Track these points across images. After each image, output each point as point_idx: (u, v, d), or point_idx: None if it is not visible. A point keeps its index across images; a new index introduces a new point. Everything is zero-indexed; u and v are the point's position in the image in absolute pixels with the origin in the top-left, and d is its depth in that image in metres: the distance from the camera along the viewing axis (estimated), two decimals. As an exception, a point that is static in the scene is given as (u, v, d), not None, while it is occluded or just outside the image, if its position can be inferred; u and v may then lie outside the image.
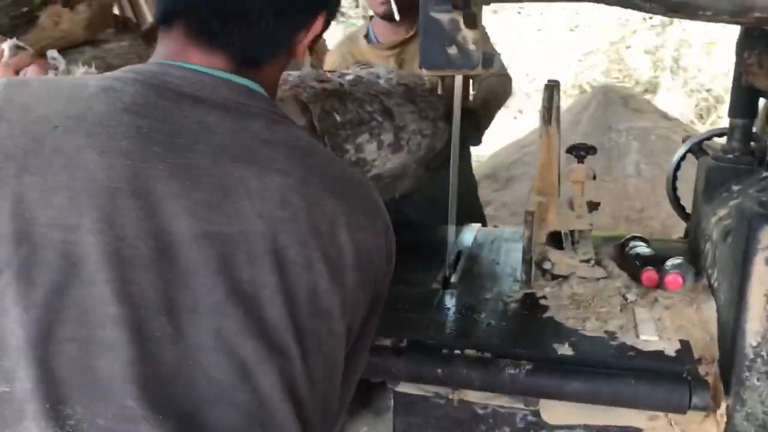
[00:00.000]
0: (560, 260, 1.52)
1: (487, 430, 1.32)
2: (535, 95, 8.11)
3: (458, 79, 1.48)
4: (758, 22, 0.96)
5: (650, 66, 7.94)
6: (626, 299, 1.40)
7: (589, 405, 1.24)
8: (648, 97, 7.23)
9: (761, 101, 1.51)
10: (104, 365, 0.67)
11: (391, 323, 1.35)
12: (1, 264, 0.67)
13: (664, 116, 4.99)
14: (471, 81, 2.30)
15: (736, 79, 1.47)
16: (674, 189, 1.92)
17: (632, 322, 1.32)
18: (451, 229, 1.57)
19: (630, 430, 1.23)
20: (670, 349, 1.24)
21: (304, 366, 0.74)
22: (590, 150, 1.69)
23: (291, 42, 0.86)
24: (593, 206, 1.62)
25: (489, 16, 8.78)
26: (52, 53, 1.29)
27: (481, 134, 2.21)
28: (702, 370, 1.24)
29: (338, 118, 1.55)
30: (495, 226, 2.01)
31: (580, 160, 1.68)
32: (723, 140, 1.63)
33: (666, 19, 7.08)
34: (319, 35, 0.90)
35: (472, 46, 1.31)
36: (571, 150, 1.70)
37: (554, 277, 1.52)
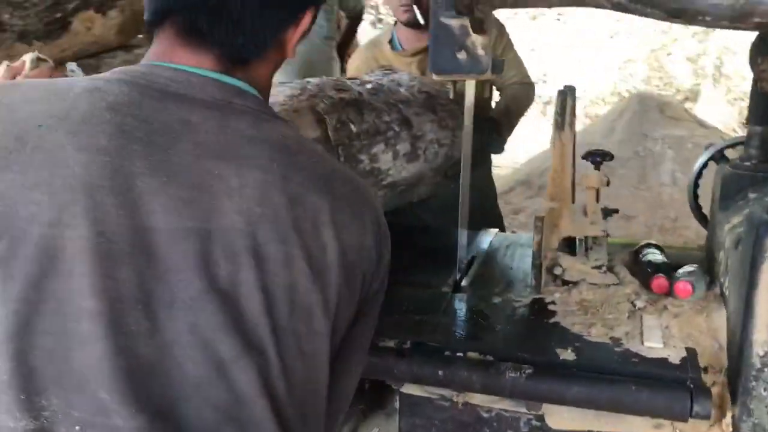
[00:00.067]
0: (572, 266, 1.52)
1: (491, 433, 1.33)
2: (573, 103, 8.04)
3: (469, 84, 1.48)
4: (758, 27, 0.96)
5: (691, 74, 7.81)
6: (635, 306, 1.39)
7: (594, 411, 1.24)
8: (688, 105, 7.12)
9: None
10: (80, 358, 0.69)
11: (398, 325, 1.37)
12: None
13: (702, 124, 4.91)
14: (493, 88, 2.32)
15: (754, 87, 1.45)
16: (695, 197, 1.90)
17: (639, 329, 1.31)
18: (463, 233, 1.58)
19: (634, 438, 1.23)
20: (675, 356, 1.22)
21: (281, 364, 0.74)
22: (606, 156, 1.68)
23: (279, 39, 0.86)
24: (608, 213, 1.61)
25: (528, 22, 8.75)
26: (71, 65, 1.34)
27: (504, 142, 2.21)
28: (709, 378, 1.23)
29: (354, 128, 1.56)
30: (513, 232, 2.01)
31: (596, 166, 1.67)
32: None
33: (708, 26, 6.94)
34: (307, 32, 0.90)
35: (481, 51, 1.32)
36: (587, 156, 1.69)
37: (565, 282, 1.51)
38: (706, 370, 1.23)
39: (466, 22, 1.29)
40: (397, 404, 1.43)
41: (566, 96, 1.54)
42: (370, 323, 0.92)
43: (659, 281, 1.42)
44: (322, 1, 0.91)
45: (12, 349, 0.68)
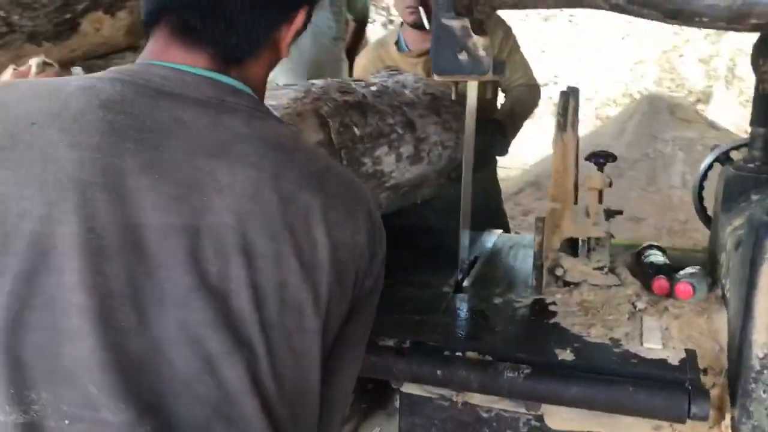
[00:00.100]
0: (573, 267, 1.52)
1: (490, 433, 1.33)
2: (584, 104, 8.01)
3: (471, 85, 1.49)
4: (755, 28, 0.96)
5: (704, 75, 7.76)
6: (635, 307, 1.39)
7: (593, 412, 1.24)
8: (701, 107, 7.08)
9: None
10: (69, 352, 0.69)
11: (398, 324, 1.38)
12: None
13: (713, 126, 4.89)
14: (499, 90, 2.32)
15: (757, 89, 1.45)
16: (700, 199, 1.89)
17: (639, 330, 1.31)
18: (464, 234, 1.59)
19: (633, 439, 1.23)
20: (674, 358, 1.22)
21: (270, 360, 0.74)
22: (609, 157, 1.68)
23: (273, 38, 0.85)
24: (611, 214, 1.61)
25: (540, 23, 8.72)
26: (76, 69, 1.35)
27: (508, 143, 2.22)
28: (709, 380, 1.23)
29: (357, 131, 1.56)
30: (516, 233, 2.01)
31: (600, 167, 1.67)
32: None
33: (720, 27, 6.90)
34: (302, 30, 0.90)
35: (482, 52, 1.32)
36: (590, 157, 1.69)
37: (566, 283, 1.52)
38: (705, 371, 1.23)
39: (467, 23, 1.30)
40: (397, 404, 1.44)
41: (568, 97, 1.54)
42: (364, 322, 0.92)
43: (660, 282, 1.42)
44: (315, 1, 0.91)
45: (2, 343, 0.69)
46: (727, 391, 1.21)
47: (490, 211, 2.28)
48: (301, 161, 0.80)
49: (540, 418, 1.30)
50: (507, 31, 2.26)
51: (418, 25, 2.27)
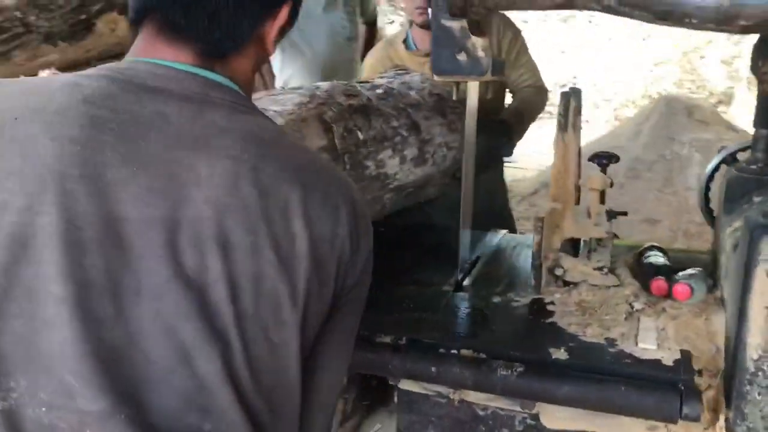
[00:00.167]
0: (573, 267, 1.53)
1: (486, 431, 1.34)
2: (603, 105, 7.98)
3: (472, 85, 1.49)
4: (744, 30, 0.96)
5: (725, 77, 7.68)
6: (632, 307, 1.39)
7: (589, 411, 1.25)
8: (722, 109, 7.01)
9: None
10: (47, 341, 0.70)
11: (397, 322, 1.40)
12: None
13: (731, 128, 4.84)
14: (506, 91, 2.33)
15: (760, 90, 1.44)
16: (707, 200, 1.88)
17: (635, 330, 1.32)
18: (465, 233, 1.60)
19: (627, 439, 1.23)
20: (669, 358, 1.23)
21: (245, 352, 0.75)
22: (612, 158, 1.68)
23: (257, 34, 0.86)
24: (613, 215, 1.61)
25: (559, 24, 8.69)
26: None
27: (514, 144, 2.22)
28: (705, 382, 1.23)
29: (361, 135, 1.58)
30: (521, 233, 2.02)
31: (603, 168, 1.68)
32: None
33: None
34: (290, 27, 0.90)
35: (481, 53, 1.34)
36: (593, 158, 1.70)
37: (566, 283, 1.52)
38: (700, 372, 1.23)
39: (466, 24, 1.31)
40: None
41: (569, 98, 1.54)
42: (350, 319, 0.91)
43: (658, 283, 1.42)
44: None
45: None
46: (722, 393, 1.21)
47: (496, 211, 2.29)
48: (283, 155, 0.81)
49: (536, 417, 1.31)
50: (516, 32, 2.26)
51: (427, 26, 2.28)
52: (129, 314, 0.72)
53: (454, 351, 1.27)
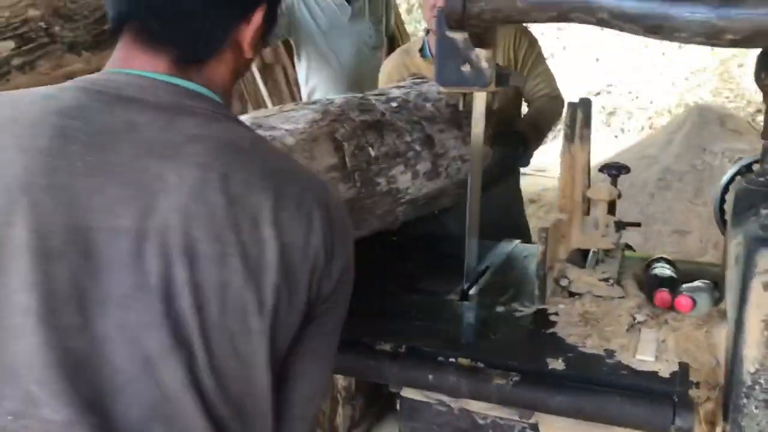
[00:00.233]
0: (578, 278, 1.53)
1: (486, 440, 1.35)
2: (637, 113, 7.88)
3: (478, 96, 1.51)
4: (733, 44, 0.96)
5: (764, 85, 7.52)
6: (634, 319, 1.39)
7: (588, 422, 1.25)
8: (760, 119, 6.86)
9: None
10: (12, 351, 0.72)
11: (399, 329, 1.42)
12: None
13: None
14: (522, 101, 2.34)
15: (767, 102, 1.43)
16: (722, 212, 1.87)
17: (635, 342, 1.32)
18: (472, 243, 1.61)
19: (625, 450, 1.23)
20: (666, 370, 1.22)
21: (209, 361, 0.75)
22: (622, 169, 1.68)
23: (233, 38, 0.86)
24: (622, 226, 1.61)
25: (594, 31, 8.62)
26: None
27: (530, 155, 2.22)
28: (703, 394, 1.22)
29: (372, 152, 1.59)
30: (534, 243, 2.01)
31: (613, 179, 1.68)
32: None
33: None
34: (268, 31, 0.90)
35: (484, 64, 1.35)
36: (603, 169, 1.70)
37: (572, 294, 1.52)
38: (698, 385, 1.22)
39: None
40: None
41: (576, 109, 1.55)
42: (327, 328, 0.90)
43: (661, 295, 1.42)
44: (275, 1, 0.91)
45: None
46: (720, 406, 1.20)
47: (511, 220, 2.29)
48: (256, 162, 0.81)
49: (534, 427, 1.31)
50: (532, 41, 2.27)
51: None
52: (95, 323, 0.73)
53: (452, 359, 1.28)
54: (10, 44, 1.89)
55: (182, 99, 0.81)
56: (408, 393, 1.39)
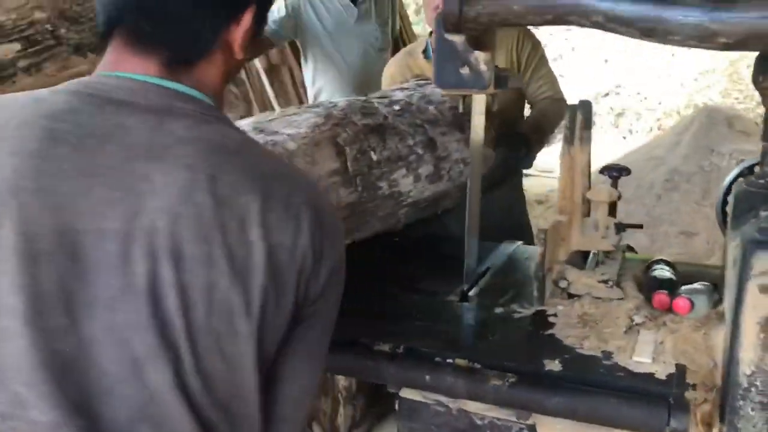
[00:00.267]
0: (578, 279, 1.53)
1: (484, 440, 1.36)
2: (646, 114, 7.86)
3: (477, 98, 1.52)
4: (726, 47, 0.97)
5: (773, 86, 7.48)
6: (632, 321, 1.40)
7: (585, 424, 1.25)
8: (770, 119, 6.81)
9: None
10: (0, 352, 0.72)
11: (397, 330, 1.43)
12: None
13: (774, 139, 4.72)
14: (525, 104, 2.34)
15: (765, 104, 1.43)
16: (724, 214, 1.86)
17: (633, 343, 1.32)
18: (472, 244, 1.62)
19: (623, 452, 1.23)
20: (662, 372, 1.23)
21: (195, 363, 0.75)
22: (623, 171, 1.69)
23: (223, 39, 0.86)
24: (622, 227, 1.61)
25: (603, 32, 8.63)
26: None
27: (533, 157, 2.23)
28: (700, 396, 1.23)
29: (374, 156, 1.60)
30: (536, 244, 2.02)
31: (614, 181, 1.68)
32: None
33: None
34: (258, 33, 0.90)
35: (483, 67, 1.36)
36: (603, 170, 1.70)
37: (571, 296, 1.53)
38: (695, 387, 1.22)
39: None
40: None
41: (575, 111, 1.55)
42: (316, 330, 0.90)
43: (660, 297, 1.42)
44: (265, 2, 0.91)
45: None
46: (717, 408, 1.20)
47: (513, 222, 2.30)
48: (244, 164, 0.81)
49: (532, 428, 1.31)
50: (535, 44, 2.27)
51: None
52: (82, 325, 0.73)
53: (449, 360, 1.29)
54: (17, 46, 1.91)
55: (172, 101, 0.81)
56: (407, 393, 1.40)
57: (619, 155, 5.53)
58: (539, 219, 4.42)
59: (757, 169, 1.73)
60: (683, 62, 8.02)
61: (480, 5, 1.17)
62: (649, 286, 1.50)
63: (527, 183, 5.41)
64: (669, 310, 1.41)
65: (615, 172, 1.68)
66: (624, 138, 7.61)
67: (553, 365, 1.26)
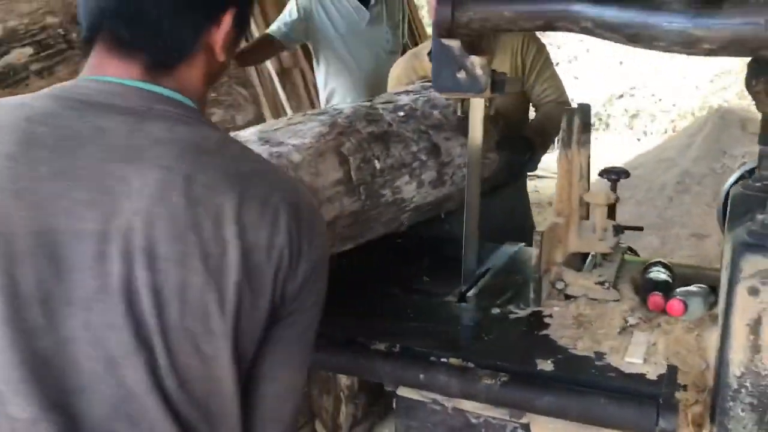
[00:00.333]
0: (574, 281, 1.55)
1: (479, 439, 1.38)
2: (660, 116, 7.83)
3: (475, 102, 1.53)
4: (710, 53, 0.98)
5: (790, 88, 7.42)
6: (627, 322, 1.41)
7: (579, 424, 1.27)
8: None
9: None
10: None
11: (394, 330, 1.45)
12: None
13: (787, 142, 4.69)
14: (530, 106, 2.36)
15: (759, 108, 1.44)
16: (725, 216, 1.87)
17: (626, 344, 1.33)
18: (471, 245, 1.64)
19: (616, 452, 1.25)
20: (653, 373, 1.24)
21: (170, 361, 0.76)
22: (622, 174, 1.70)
23: (203, 42, 0.86)
24: (620, 229, 1.62)
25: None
26: None
27: (537, 160, 2.24)
28: (691, 397, 1.24)
29: (378, 164, 1.62)
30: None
31: (613, 184, 1.69)
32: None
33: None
34: (240, 35, 0.90)
35: (479, 71, 1.38)
36: (602, 173, 1.72)
37: (567, 297, 1.54)
38: (686, 388, 1.24)
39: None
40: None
41: (573, 114, 1.57)
42: (297, 329, 0.89)
43: (654, 299, 1.43)
44: (246, 3, 0.91)
45: None
46: (708, 409, 1.22)
47: (516, 224, 2.31)
48: (221, 164, 0.81)
49: (526, 427, 1.33)
50: (540, 47, 2.28)
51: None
52: (60, 324, 0.75)
53: (443, 359, 1.31)
54: (29, 50, 1.96)
55: (152, 103, 0.82)
56: (404, 392, 1.42)
57: (632, 156, 5.52)
58: (547, 221, 4.41)
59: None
60: (698, 64, 7.97)
61: (471, 11, 1.19)
62: (644, 288, 1.51)
63: (540, 185, 5.43)
64: (663, 311, 1.43)
65: (614, 174, 1.70)
66: (638, 140, 7.59)
67: (546, 365, 1.28)
